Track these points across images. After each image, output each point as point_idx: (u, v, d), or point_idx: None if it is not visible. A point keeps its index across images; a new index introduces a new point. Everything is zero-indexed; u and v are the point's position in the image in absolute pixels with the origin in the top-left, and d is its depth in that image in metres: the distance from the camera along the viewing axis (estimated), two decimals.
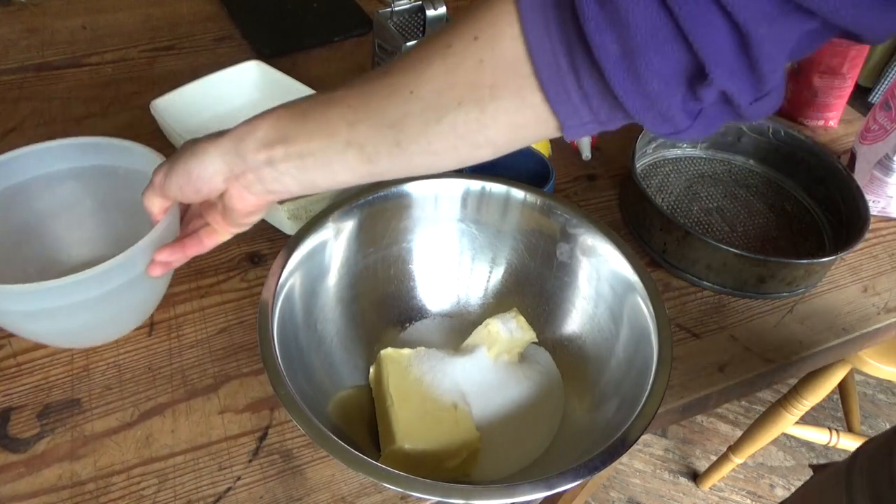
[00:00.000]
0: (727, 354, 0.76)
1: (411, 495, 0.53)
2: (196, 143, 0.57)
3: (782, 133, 0.95)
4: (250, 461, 0.64)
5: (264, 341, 0.58)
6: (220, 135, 0.57)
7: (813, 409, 1.26)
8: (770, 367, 0.76)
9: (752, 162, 1.00)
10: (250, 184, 0.57)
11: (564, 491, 0.53)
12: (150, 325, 0.73)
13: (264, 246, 0.81)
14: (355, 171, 0.54)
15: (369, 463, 0.52)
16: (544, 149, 0.89)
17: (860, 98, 1.14)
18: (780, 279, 0.79)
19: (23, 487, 0.61)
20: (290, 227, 0.78)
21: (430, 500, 0.55)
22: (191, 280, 0.78)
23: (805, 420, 1.33)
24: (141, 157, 0.69)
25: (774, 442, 1.77)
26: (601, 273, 0.70)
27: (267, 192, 0.57)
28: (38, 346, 0.70)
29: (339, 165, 0.54)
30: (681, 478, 1.76)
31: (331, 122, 0.53)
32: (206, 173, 0.57)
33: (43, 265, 0.73)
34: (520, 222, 0.74)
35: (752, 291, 0.81)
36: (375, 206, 0.72)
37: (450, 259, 0.77)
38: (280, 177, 0.55)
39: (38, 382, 0.68)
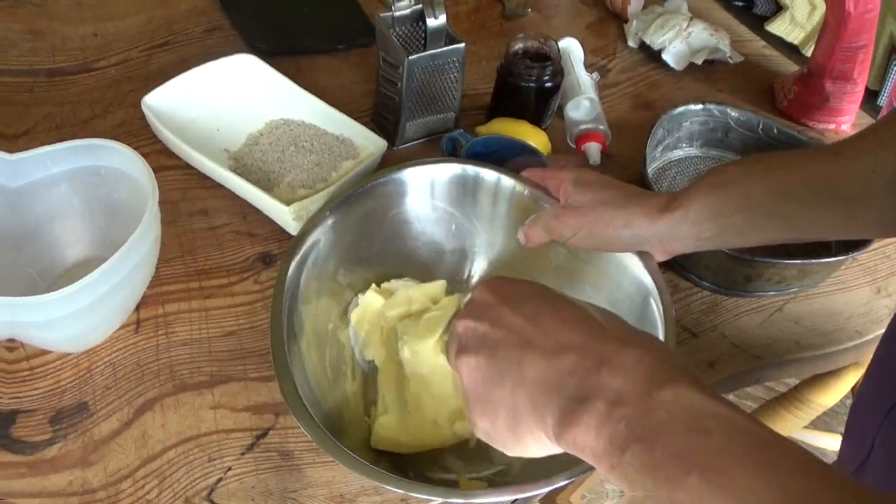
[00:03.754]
0: (717, 351, 0.78)
1: (412, 496, 0.53)
2: (631, 214, 0.64)
3: (774, 130, 0.94)
4: (242, 454, 0.64)
5: (277, 348, 0.59)
6: (658, 210, 0.64)
7: (826, 414, 1.25)
8: (758, 363, 0.77)
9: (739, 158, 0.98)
10: (653, 247, 0.66)
11: (563, 487, 0.54)
12: (137, 323, 0.73)
13: (274, 246, 0.82)
14: (769, 238, 0.63)
15: (373, 469, 0.53)
16: (543, 147, 0.89)
17: (870, 101, 1.14)
18: (766, 279, 0.80)
19: (21, 486, 0.61)
20: (294, 228, 0.79)
21: (432, 500, 0.55)
22: (190, 280, 0.78)
23: (818, 426, 1.32)
24: (120, 155, 0.70)
25: None
26: (610, 274, 0.71)
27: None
28: (49, 350, 0.71)
29: (753, 235, 0.62)
30: None
31: (754, 195, 0.59)
32: (617, 246, 0.67)
33: (42, 268, 0.74)
34: (517, 215, 0.74)
35: (741, 290, 0.82)
36: (371, 198, 0.73)
37: (451, 252, 0.79)
38: (698, 245, 0.64)
39: (51, 387, 0.68)
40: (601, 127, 0.96)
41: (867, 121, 1.11)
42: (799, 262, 0.78)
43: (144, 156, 0.69)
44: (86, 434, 0.65)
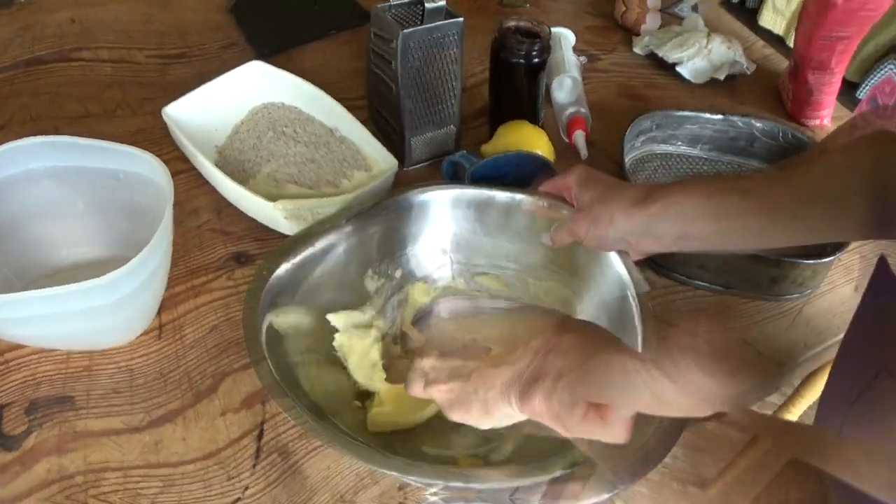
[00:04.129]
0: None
1: (408, 479, 0.53)
2: (612, 210, 0.64)
3: (790, 136, 0.96)
4: (254, 466, 0.64)
5: (250, 335, 0.60)
6: (634, 203, 0.63)
7: (810, 407, 1.25)
8: (781, 370, 0.76)
9: (766, 165, 0.99)
10: (644, 246, 0.65)
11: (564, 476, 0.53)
12: (159, 328, 0.73)
13: (252, 246, 0.81)
14: (790, 239, 0.60)
15: (360, 444, 0.54)
16: (548, 153, 0.89)
17: (848, 93, 1.14)
18: (791, 280, 0.80)
19: (20, 486, 0.61)
20: (287, 227, 0.78)
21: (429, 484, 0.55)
22: (186, 280, 0.78)
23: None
24: (145, 163, 0.69)
25: None
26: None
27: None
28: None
29: (776, 234, 0.60)
30: (690, 487, 1.75)
31: (778, 198, 0.59)
32: (614, 241, 0.65)
33: (20, 266, 0.72)
34: (531, 227, 0.75)
35: (766, 293, 0.81)
36: (390, 216, 0.74)
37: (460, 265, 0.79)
38: (676, 245, 0.63)
39: (26, 379, 0.68)
40: (582, 110, 0.97)
41: (845, 114, 1.10)
42: (812, 262, 0.78)
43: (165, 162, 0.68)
44: (64, 424, 0.65)
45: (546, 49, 0.93)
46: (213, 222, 0.83)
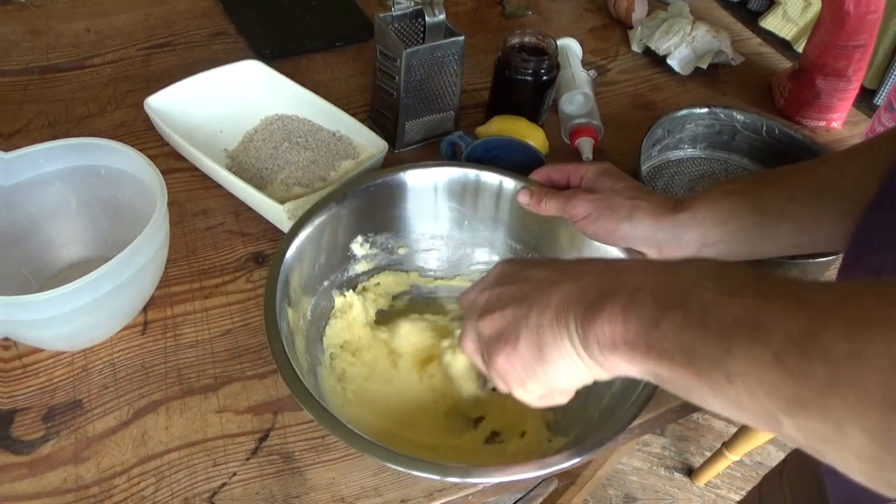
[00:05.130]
0: None
1: (413, 473, 0.54)
2: (636, 208, 0.64)
3: (776, 131, 0.95)
4: (247, 459, 0.64)
5: (272, 337, 0.59)
6: (667, 209, 0.64)
7: None
8: None
9: (746, 160, 1.00)
10: (649, 248, 0.65)
11: (559, 470, 0.54)
12: (144, 324, 0.73)
13: (267, 246, 0.82)
14: (778, 244, 0.62)
15: (381, 447, 0.54)
16: (541, 145, 0.89)
17: (866, 100, 1.14)
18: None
19: (23, 488, 0.61)
20: (288, 227, 0.78)
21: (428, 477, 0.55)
22: (193, 280, 0.77)
23: None
24: (122, 156, 0.70)
25: (774, 442, 1.78)
26: None
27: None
28: (41, 349, 0.70)
29: (764, 241, 0.61)
30: (676, 473, 1.77)
31: (765, 199, 0.60)
32: (624, 239, 0.66)
33: (35, 268, 0.73)
34: (517, 213, 0.75)
35: None
36: (370, 195, 0.73)
37: (449, 249, 0.80)
38: (702, 251, 0.63)
39: (43, 385, 0.68)
40: (594, 122, 0.96)
41: (861, 119, 1.11)
42: (800, 261, 0.79)
43: (152, 158, 0.68)
44: (78, 431, 0.65)
45: (555, 67, 0.93)
46: (229, 224, 0.83)
